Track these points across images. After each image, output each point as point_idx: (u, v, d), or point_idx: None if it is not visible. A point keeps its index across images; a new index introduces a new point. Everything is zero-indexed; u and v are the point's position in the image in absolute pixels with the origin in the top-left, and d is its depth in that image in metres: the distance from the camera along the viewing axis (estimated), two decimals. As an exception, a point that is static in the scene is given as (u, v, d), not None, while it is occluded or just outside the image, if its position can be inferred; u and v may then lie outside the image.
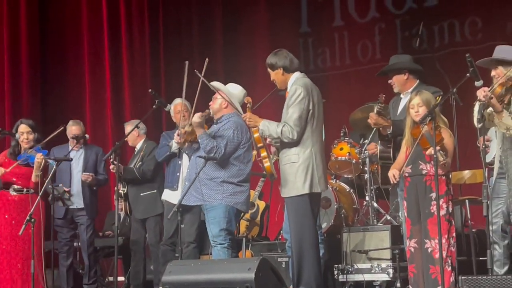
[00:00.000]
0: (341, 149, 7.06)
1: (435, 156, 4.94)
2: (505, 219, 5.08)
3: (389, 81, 5.97)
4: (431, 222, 5.09)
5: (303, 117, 5.20)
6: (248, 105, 5.52)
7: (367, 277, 6.20)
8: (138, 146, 7.42)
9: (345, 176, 7.32)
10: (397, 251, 6.00)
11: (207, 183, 5.67)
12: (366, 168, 6.89)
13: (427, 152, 5.05)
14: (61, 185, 7.01)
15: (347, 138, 7.13)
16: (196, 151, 5.83)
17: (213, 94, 5.90)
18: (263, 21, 9.79)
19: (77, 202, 7.15)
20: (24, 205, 6.39)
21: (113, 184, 8.45)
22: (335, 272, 6.33)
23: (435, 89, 5.65)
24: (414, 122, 5.22)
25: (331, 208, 6.82)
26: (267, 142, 5.74)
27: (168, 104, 6.66)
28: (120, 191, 7.19)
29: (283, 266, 6.50)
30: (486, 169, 5.02)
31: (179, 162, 6.68)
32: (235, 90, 5.85)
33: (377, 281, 6.19)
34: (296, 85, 5.27)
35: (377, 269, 6.17)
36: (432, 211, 5.10)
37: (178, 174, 6.67)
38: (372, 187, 6.84)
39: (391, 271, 6.10)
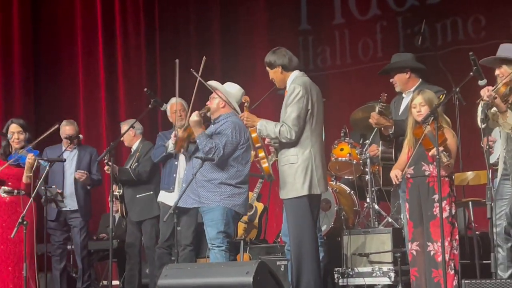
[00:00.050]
0: (342, 149, 7.06)
1: (437, 157, 4.94)
2: (508, 221, 5.08)
3: (391, 80, 5.97)
4: (434, 224, 5.09)
5: (301, 116, 5.20)
6: (245, 104, 5.52)
7: (368, 281, 6.20)
8: (134, 147, 7.41)
9: (346, 177, 7.32)
10: (398, 254, 6.00)
11: (205, 184, 5.67)
12: (367, 169, 6.89)
13: (430, 153, 5.05)
14: (54, 186, 7.00)
15: (348, 139, 7.13)
16: (194, 151, 5.82)
17: (210, 93, 5.90)
18: (261, 19, 9.79)
19: (70, 204, 7.13)
20: (14, 207, 6.37)
21: (107, 185, 8.45)
22: (335, 276, 6.32)
23: (438, 88, 5.65)
24: (416, 122, 5.22)
25: (331, 210, 6.82)
26: (266, 142, 5.73)
27: (164, 104, 6.65)
28: (116, 193, 7.19)
29: (282, 269, 6.50)
30: (490, 170, 5.02)
31: (176, 163, 6.68)
32: (232, 90, 5.85)
33: (378, 285, 6.19)
34: (294, 83, 5.27)
35: (378, 272, 6.17)
36: (435, 213, 5.10)
37: (174, 175, 6.66)
38: (373, 189, 6.85)
39: (392, 274, 6.10)
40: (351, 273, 6.27)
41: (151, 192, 7.09)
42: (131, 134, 7.34)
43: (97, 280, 8.38)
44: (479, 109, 4.97)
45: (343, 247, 6.36)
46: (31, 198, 6.08)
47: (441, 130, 5.06)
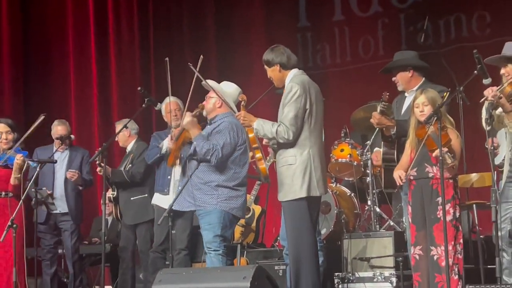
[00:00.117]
0: (342, 150, 7.07)
1: (440, 158, 4.94)
2: (513, 225, 5.09)
3: (393, 79, 5.97)
4: (437, 228, 5.08)
5: (299, 116, 5.19)
6: (242, 103, 5.52)
7: (369, 286, 6.21)
8: (129, 147, 7.39)
9: (346, 179, 7.33)
10: (400, 258, 6.00)
11: (201, 187, 5.67)
12: (368, 171, 6.90)
13: (434, 154, 5.05)
14: (44, 188, 6.99)
15: (348, 139, 7.14)
16: (190, 155, 5.81)
17: (206, 93, 5.90)
18: (259, 15, 9.79)
19: (61, 206, 7.13)
20: (2, 209, 6.35)
21: (100, 187, 8.44)
22: (335, 281, 6.33)
23: (441, 88, 5.64)
24: (419, 122, 5.22)
25: (331, 213, 6.83)
26: (264, 143, 5.73)
27: (159, 103, 6.65)
28: (109, 195, 7.18)
29: (280, 274, 6.50)
30: (495, 172, 5.02)
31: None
32: (229, 89, 5.85)
33: (380, 290, 6.21)
34: (292, 82, 5.26)
35: (379, 277, 6.17)
36: (439, 216, 5.09)
37: (169, 177, 6.65)
38: (374, 191, 6.85)
39: (394, 279, 6.10)
40: (351, 278, 6.27)
41: (146, 195, 7.07)
42: (126, 134, 7.33)
43: (88, 285, 8.37)
44: (483, 110, 4.97)
45: (343, 251, 6.36)
46: (21, 201, 6.07)
47: (445, 131, 5.06)
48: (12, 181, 6.35)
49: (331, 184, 7.15)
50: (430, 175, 5.18)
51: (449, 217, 5.10)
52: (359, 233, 6.59)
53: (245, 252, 7.07)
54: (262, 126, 5.24)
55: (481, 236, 6.30)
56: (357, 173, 7.04)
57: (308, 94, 5.23)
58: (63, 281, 7.69)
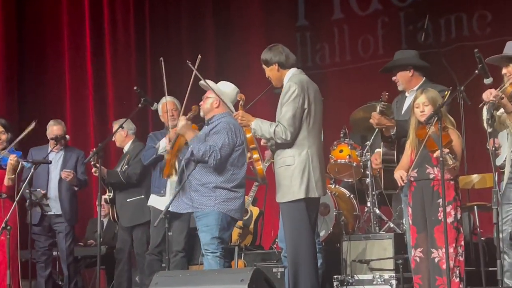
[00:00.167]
0: (341, 151, 7.07)
1: (441, 159, 4.94)
2: (514, 227, 5.10)
3: (393, 78, 5.97)
4: (438, 230, 5.08)
5: (297, 116, 5.19)
6: (240, 102, 5.51)
7: (369, 289, 6.22)
8: (126, 148, 7.38)
9: (345, 180, 7.33)
10: (400, 261, 6.01)
11: (199, 189, 5.66)
12: (367, 172, 6.90)
13: (435, 155, 5.05)
14: (39, 189, 6.98)
15: (348, 140, 7.14)
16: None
17: (203, 93, 5.90)
18: (257, 14, 9.80)
19: (55, 207, 7.12)
20: (-4, 211, 6.36)
21: (95, 188, 8.44)
22: (334, 283, 6.33)
23: (442, 88, 5.64)
24: (419, 123, 5.22)
25: (330, 214, 6.83)
26: (262, 144, 5.73)
27: (155, 103, 6.65)
28: (105, 196, 7.17)
29: (278, 277, 6.50)
30: (496, 173, 5.02)
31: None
32: (227, 89, 5.85)
33: (380, 293, 6.21)
34: (290, 82, 5.26)
35: (379, 280, 6.17)
36: (440, 218, 5.08)
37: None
38: (374, 192, 6.85)
39: (394, 282, 6.10)
40: (351, 280, 6.27)
41: (142, 196, 7.06)
42: (123, 134, 7.32)
43: (84, 288, 8.39)
44: (484, 112, 4.97)
45: (343, 253, 6.36)
46: (15, 202, 6.06)
47: (446, 131, 5.06)
48: (6, 182, 6.35)
49: (330, 185, 7.15)
50: (431, 176, 5.18)
51: (450, 219, 5.11)
52: (359, 235, 6.59)
53: (242, 254, 7.06)
54: (260, 126, 5.24)
55: (482, 238, 6.31)
56: (356, 174, 7.04)
57: (306, 93, 5.23)
58: (57, 283, 7.69)
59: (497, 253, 4.88)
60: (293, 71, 5.37)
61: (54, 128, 7.25)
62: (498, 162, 5.27)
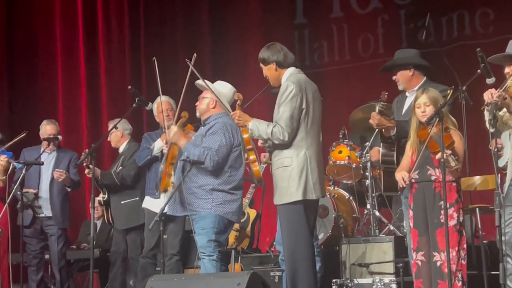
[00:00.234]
0: (340, 152, 7.07)
1: (442, 160, 4.94)
2: (517, 229, 5.09)
3: (393, 78, 5.97)
4: (441, 233, 5.07)
5: (295, 116, 5.18)
6: (238, 102, 5.51)
7: (368, 293, 6.22)
8: (121, 148, 7.36)
9: (344, 182, 7.33)
10: (401, 264, 6.01)
11: (195, 191, 5.65)
12: (367, 173, 6.90)
13: (437, 156, 5.04)
14: (31, 191, 6.97)
15: (347, 140, 7.13)
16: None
17: (199, 93, 5.90)
18: (254, 12, 9.79)
19: (47, 209, 7.11)
20: (-14, 213, 6.34)
21: (88, 190, 8.43)
22: (333, 287, 6.32)
23: (443, 87, 5.64)
24: (421, 123, 5.22)
25: (328, 217, 6.82)
26: (259, 144, 5.73)
27: (150, 103, 6.64)
28: (99, 198, 7.16)
29: (276, 281, 6.51)
30: (499, 174, 5.02)
31: (162, 166, 6.65)
32: (223, 89, 5.84)
33: (379, 297, 6.21)
34: (288, 81, 5.26)
35: (379, 284, 6.17)
36: (442, 220, 5.08)
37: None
38: (373, 194, 6.85)
39: (394, 286, 6.11)
40: (350, 284, 6.27)
41: (137, 198, 7.05)
42: (118, 134, 7.31)
43: (76, 292, 8.38)
44: (486, 112, 4.96)
45: (342, 256, 6.36)
46: (6, 204, 6.06)
47: (448, 132, 5.05)
48: (-4, 183, 6.35)
49: (329, 187, 7.15)
50: (433, 178, 5.17)
51: (453, 222, 5.10)
52: (358, 238, 6.58)
53: (239, 257, 7.06)
54: (257, 127, 5.23)
55: (484, 241, 6.30)
56: (356, 175, 7.03)
57: (304, 93, 5.22)
58: (50, 287, 7.67)
59: (499, 257, 4.88)
60: (291, 70, 5.37)
61: (47, 128, 7.24)
62: (501, 163, 5.26)
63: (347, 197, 7.12)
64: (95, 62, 10.15)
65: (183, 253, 6.63)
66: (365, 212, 6.99)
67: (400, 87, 5.96)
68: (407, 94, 5.92)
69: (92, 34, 10.18)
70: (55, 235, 7.14)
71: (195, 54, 5.68)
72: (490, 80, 4.94)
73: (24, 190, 6.79)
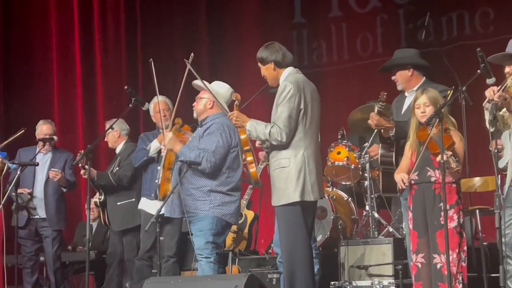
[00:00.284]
0: (339, 153, 7.07)
1: (442, 161, 4.93)
2: (518, 231, 5.09)
3: (392, 78, 5.97)
4: (441, 235, 5.06)
5: (293, 117, 5.18)
6: (236, 102, 5.50)
7: (367, 295, 6.22)
8: (118, 149, 7.35)
9: (343, 183, 7.32)
10: (400, 266, 6.00)
11: (193, 193, 5.65)
12: (366, 175, 6.90)
13: (438, 159, 5.03)
14: (25, 192, 6.96)
15: (345, 141, 7.13)
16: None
17: (196, 93, 5.90)
18: (252, 12, 9.80)
19: (41, 211, 7.10)
20: (-21, 214, 6.34)
21: (84, 191, 8.42)
22: (332, 290, 6.34)
23: (443, 88, 5.64)
24: (420, 124, 5.22)
25: (327, 218, 6.82)
26: (257, 145, 5.73)
27: (146, 103, 6.63)
28: (95, 199, 7.15)
29: (274, 283, 6.50)
30: (499, 176, 5.03)
31: (158, 167, 6.64)
32: (221, 89, 5.83)
33: (378, 300, 6.21)
34: (286, 81, 5.26)
35: (378, 286, 6.17)
36: (442, 222, 5.07)
37: (156, 181, 6.61)
38: (372, 196, 6.85)
39: (393, 288, 6.11)
40: (348, 287, 6.27)
41: (133, 199, 7.04)
42: (115, 135, 7.30)
43: (72, 294, 8.37)
44: (486, 112, 4.97)
45: (340, 258, 6.36)
46: (0, 205, 6.05)
47: (448, 133, 5.05)
48: (-10, 184, 6.34)
49: (328, 188, 7.14)
50: (433, 179, 5.17)
51: (453, 224, 5.10)
52: (357, 239, 6.59)
53: (237, 259, 7.05)
54: (255, 127, 5.23)
55: (484, 243, 6.30)
56: (354, 177, 7.03)
57: (302, 93, 5.22)
58: (45, 290, 7.67)
59: (499, 259, 4.88)
60: (289, 70, 5.37)
61: (43, 128, 7.23)
62: (501, 164, 5.26)
63: (345, 199, 7.12)
64: (91, 61, 10.14)
65: (179, 255, 6.63)
66: (364, 214, 6.99)
67: (399, 87, 5.96)
68: (406, 94, 5.91)
69: (88, 34, 10.17)
70: (50, 237, 7.13)
71: (192, 54, 5.68)
72: (490, 80, 4.95)
73: (19, 190, 6.78)
